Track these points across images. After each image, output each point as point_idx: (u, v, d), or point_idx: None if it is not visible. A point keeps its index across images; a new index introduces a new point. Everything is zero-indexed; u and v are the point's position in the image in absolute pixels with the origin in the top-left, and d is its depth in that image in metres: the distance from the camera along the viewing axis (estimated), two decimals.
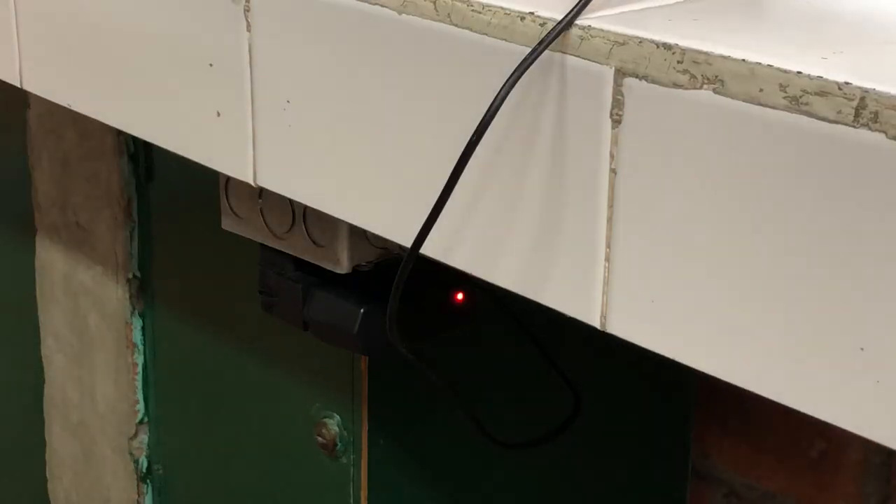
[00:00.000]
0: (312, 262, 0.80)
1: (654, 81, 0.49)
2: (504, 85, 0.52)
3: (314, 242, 0.79)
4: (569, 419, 0.91)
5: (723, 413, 1.17)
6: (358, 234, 0.77)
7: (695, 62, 0.48)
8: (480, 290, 0.81)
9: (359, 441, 0.85)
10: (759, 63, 0.47)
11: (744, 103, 0.47)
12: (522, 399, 0.92)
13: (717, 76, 0.48)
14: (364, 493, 0.86)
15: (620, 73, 0.51)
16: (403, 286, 0.58)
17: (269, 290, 0.84)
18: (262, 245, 0.83)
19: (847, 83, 0.44)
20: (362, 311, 0.78)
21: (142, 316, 1.01)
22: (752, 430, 1.16)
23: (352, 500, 0.86)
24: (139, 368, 1.01)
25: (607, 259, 0.53)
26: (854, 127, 0.44)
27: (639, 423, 1.08)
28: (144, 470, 1.04)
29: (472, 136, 0.53)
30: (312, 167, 0.65)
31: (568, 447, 1.00)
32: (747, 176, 0.47)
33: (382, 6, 0.59)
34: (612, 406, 1.00)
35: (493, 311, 0.85)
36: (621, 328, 0.53)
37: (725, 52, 0.48)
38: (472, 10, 0.55)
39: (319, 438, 0.86)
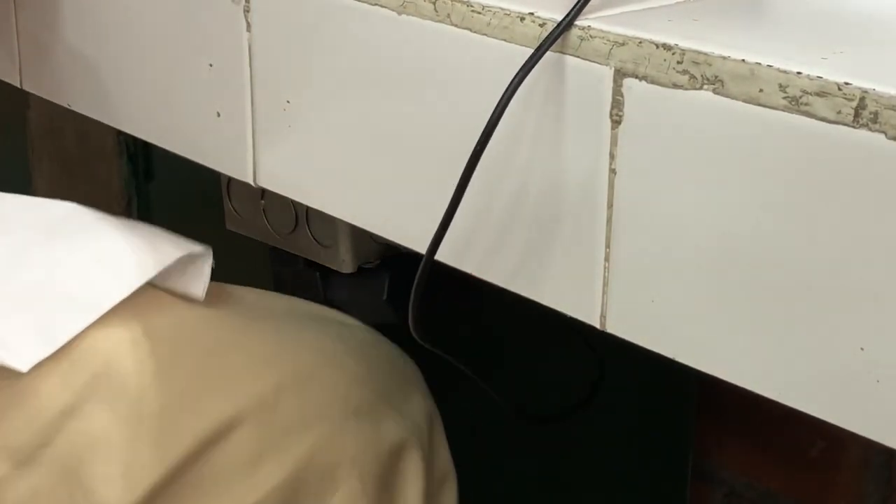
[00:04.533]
0: (318, 262, 0.80)
1: (653, 82, 0.49)
2: (506, 90, 0.52)
3: (318, 242, 0.79)
4: (594, 386, 0.91)
5: (723, 413, 1.17)
6: (361, 233, 0.77)
7: (695, 62, 0.48)
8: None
9: None
10: (759, 63, 0.47)
11: (744, 104, 0.47)
12: (546, 375, 0.92)
13: (716, 76, 0.48)
14: None
15: (620, 74, 0.51)
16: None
17: (283, 284, 0.83)
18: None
19: (847, 83, 0.44)
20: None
21: None
22: (752, 430, 1.16)
23: None
24: None
25: (607, 259, 0.53)
26: (854, 127, 0.44)
27: (639, 423, 1.08)
28: None
29: (477, 145, 0.53)
30: (312, 168, 0.65)
31: (568, 448, 1.00)
32: (747, 176, 0.47)
33: (382, 6, 0.59)
34: (611, 407, 1.00)
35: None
36: (621, 328, 0.53)
37: (725, 53, 0.48)
38: (472, 11, 0.55)
39: None
